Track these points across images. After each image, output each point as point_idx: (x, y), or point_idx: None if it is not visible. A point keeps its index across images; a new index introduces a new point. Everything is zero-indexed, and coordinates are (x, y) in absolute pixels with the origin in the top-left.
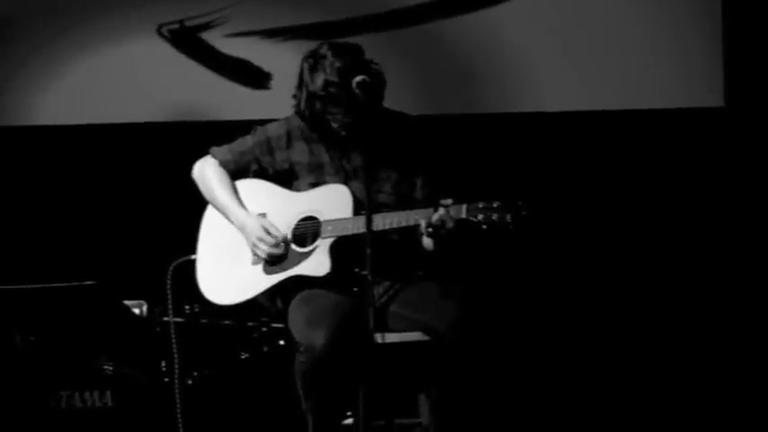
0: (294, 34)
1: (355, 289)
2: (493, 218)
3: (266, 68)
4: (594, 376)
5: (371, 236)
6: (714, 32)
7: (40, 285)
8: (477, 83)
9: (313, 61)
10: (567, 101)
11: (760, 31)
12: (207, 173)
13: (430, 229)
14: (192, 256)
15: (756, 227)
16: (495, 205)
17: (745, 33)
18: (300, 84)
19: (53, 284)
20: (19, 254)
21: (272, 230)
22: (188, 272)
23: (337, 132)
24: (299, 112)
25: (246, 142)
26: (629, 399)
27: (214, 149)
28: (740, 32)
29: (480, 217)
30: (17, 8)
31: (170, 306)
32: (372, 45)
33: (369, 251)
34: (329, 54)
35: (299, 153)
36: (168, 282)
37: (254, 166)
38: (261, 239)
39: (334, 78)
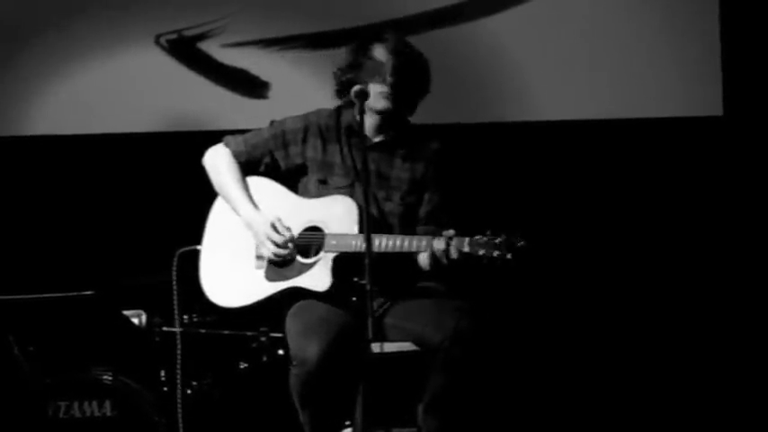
0: (292, 44)
1: (354, 299)
2: (494, 254)
3: (264, 78)
4: (589, 390)
5: (371, 255)
6: (712, 42)
7: (38, 296)
8: (473, 92)
9: (364, 51)
10: (565, 110)
11: (758, 40)
12: (219, 162)
13: (430, 260)
14: (198, 246)
15: (755, 235)
16: (497, 241)
17: (743, 42)
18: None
19: (52, 294)
20: (17, 264)
21: (280, 230)
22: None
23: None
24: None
25: (262, 134)
26: (625, 416)
27: (228, 138)
28: (738, 42)
29: (481, 252)
30: (14, 18)
31: (175, 293)
32: None
33: (367, 261)
34: (385, 51)
35: (313, 149)
36: (174, 270)
37: (267, 159)
38: (269, 238)
39: (390, 78)
